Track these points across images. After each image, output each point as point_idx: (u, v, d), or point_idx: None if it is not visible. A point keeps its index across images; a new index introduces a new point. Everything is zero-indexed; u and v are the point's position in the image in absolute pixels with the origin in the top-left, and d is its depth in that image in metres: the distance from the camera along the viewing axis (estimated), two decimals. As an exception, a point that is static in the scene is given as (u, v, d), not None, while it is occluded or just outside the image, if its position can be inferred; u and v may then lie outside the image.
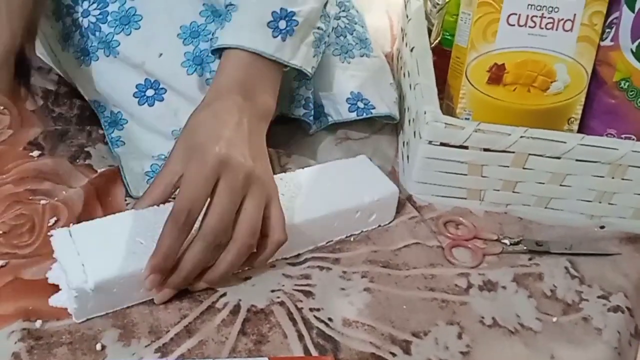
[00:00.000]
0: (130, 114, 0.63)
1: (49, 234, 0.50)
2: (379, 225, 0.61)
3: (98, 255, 0.49)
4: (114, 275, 0.48)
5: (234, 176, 0.49)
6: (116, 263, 0.49)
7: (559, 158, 0.60)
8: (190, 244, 0.49)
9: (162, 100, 0.62)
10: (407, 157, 0.66)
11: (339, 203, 0.58)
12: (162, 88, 0.61)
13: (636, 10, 0.62)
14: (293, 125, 0.69)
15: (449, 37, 0.73)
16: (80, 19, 0.60)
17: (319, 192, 0.58)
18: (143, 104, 0.62)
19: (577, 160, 0.60)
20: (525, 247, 0.61)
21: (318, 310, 0.53)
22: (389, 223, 0.61)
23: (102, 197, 0.58)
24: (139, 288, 0.50)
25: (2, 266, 0.52)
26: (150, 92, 0.61)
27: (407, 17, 0.75)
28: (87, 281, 0.47)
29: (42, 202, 0.57)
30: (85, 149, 0.63)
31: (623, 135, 0.65)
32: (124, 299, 0.50)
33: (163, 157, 0.61)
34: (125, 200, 0.59)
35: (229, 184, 0.49)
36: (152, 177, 0.60)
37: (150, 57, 0.61)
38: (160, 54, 0.61)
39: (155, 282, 0.49)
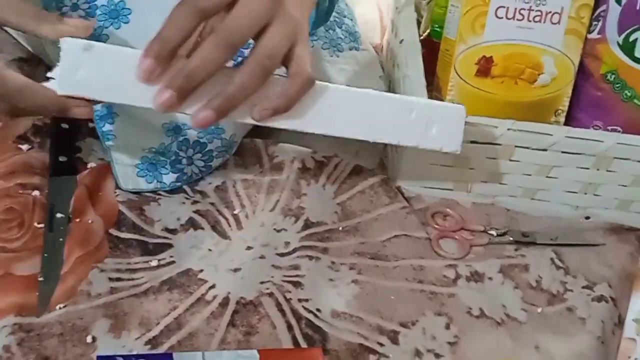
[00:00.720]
0: (120, 108, 0.63)
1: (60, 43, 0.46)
2: (443, 151, 0.55)
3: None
4: (110, 46, 0.45)
5: None
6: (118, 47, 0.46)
7: (545, 150, 0.61)
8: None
9: (152, 94, 0.62)
10: (396, 148, 0.66)
11: (392, 94, 0.54)
12: None
13: (623, 3, 0.62)
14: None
15: (438, 29, 0.73)
16: (69, 13, 0.60)
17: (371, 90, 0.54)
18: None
19: (562, 152, 0.61)
20: (511, 238, 0.61)
21: (307, 300, 0.54)
22: (455, 151, 0.55)
23: (93, 191, 0.59)
24: (135, 77, 0.44)
25: (-9, 260, 0.52)
26: None
27: (397, 9, 0.75)
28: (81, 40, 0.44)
29: (33, 194, 0.57)
30: (75, 143, 0.63)
31: (609, 127, 0.66)
32: (117, 87, 0.45)
33: (154, 149, 0.61)
34: (115, 192, 0.60)
35: None
36: (142, 170, 0.61)
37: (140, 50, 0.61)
38: None
39: (148, 70, 0.43)
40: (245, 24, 0.44)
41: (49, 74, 0.46)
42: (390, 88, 0.73)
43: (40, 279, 0.51)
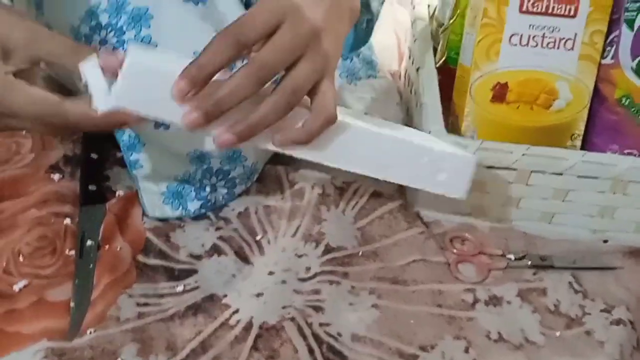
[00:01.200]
0: (147, 138, 0.65)
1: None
2: (447, 196, 0.57)
3: (143, 52, 0.49)
4: (149, 65, 0.47)
5: (300, 24, 0.46)
6: (156, 60, 0.48)
7: (561, 174, 0.62)
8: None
9: (177, 124, 0.64)
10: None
11: (407, 136, 0.56)
12: None
13: (635, 29, 0.63)
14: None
15: (454, 56, 0.74)
16: (98, 47, 0.63)
17: (388, 125, 0.57)
18: (159, 127, 0.64)
19: (578, 176, 0.61)
20: (529, 262, 0.62)
21: (327, 325, 0.55)
22: (459, 197, 0.57)
23: (121, 219, 0.61)
24: (169, 96, 0.47)
25: (25, 286, 0.54)
26: None
27: (414, 36, 0.77)
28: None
29: (65, 222, 0.60)
30: (104, 172, 0.66)
31: (626, 151, 0.67)
32: (153, 104, 0.48)
33: (179, 178, 0.64)
34: (142, 219, 0.62)
35: (292, 29, 0.46)
36: (167, 197, 0.63)
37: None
38: None
39: (182, 91, 0.46)
40: (278, 59, 0.47)
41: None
42: (408, 114, 0.75)
43: (72, 304, 0.53)
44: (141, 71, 0.47)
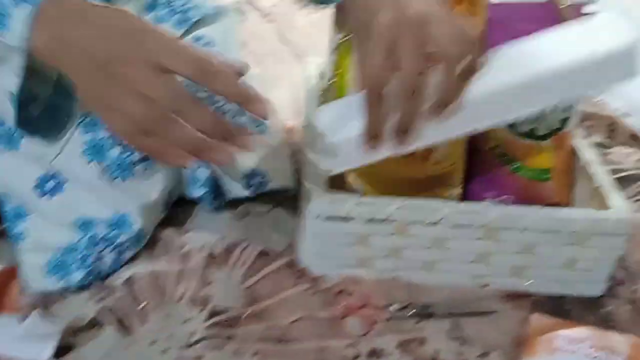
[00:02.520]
0: (32, 208, 0.65)
1: None
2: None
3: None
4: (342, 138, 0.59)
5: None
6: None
7: (436, 224, 0.64)
8: None
9: (62, 191, 0.64)
10: (303, 229, 0.69)
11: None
12: (62, 179, 0.64)
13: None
14: (194, 205, 0.72)
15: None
16: None
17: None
18: (43, 196, 0.64)
19: (453, 225, 0.64)
20: (412, 312, 0.64)
21: (209, 391, 0.55)
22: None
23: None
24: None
25: None
26: (50, 184, 0.64)
27: (305, 93, 0.79)
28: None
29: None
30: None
31: (502, 197, 0.70)
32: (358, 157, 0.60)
33: (63, 248, 0.63)
34: (22, 293, 0.61)
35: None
36: (50, 270, 0.62)
37: (51, 148, 0.63)
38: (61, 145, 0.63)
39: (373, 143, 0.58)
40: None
41: None
42: (299, 168, 0.76)
43: None
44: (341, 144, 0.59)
